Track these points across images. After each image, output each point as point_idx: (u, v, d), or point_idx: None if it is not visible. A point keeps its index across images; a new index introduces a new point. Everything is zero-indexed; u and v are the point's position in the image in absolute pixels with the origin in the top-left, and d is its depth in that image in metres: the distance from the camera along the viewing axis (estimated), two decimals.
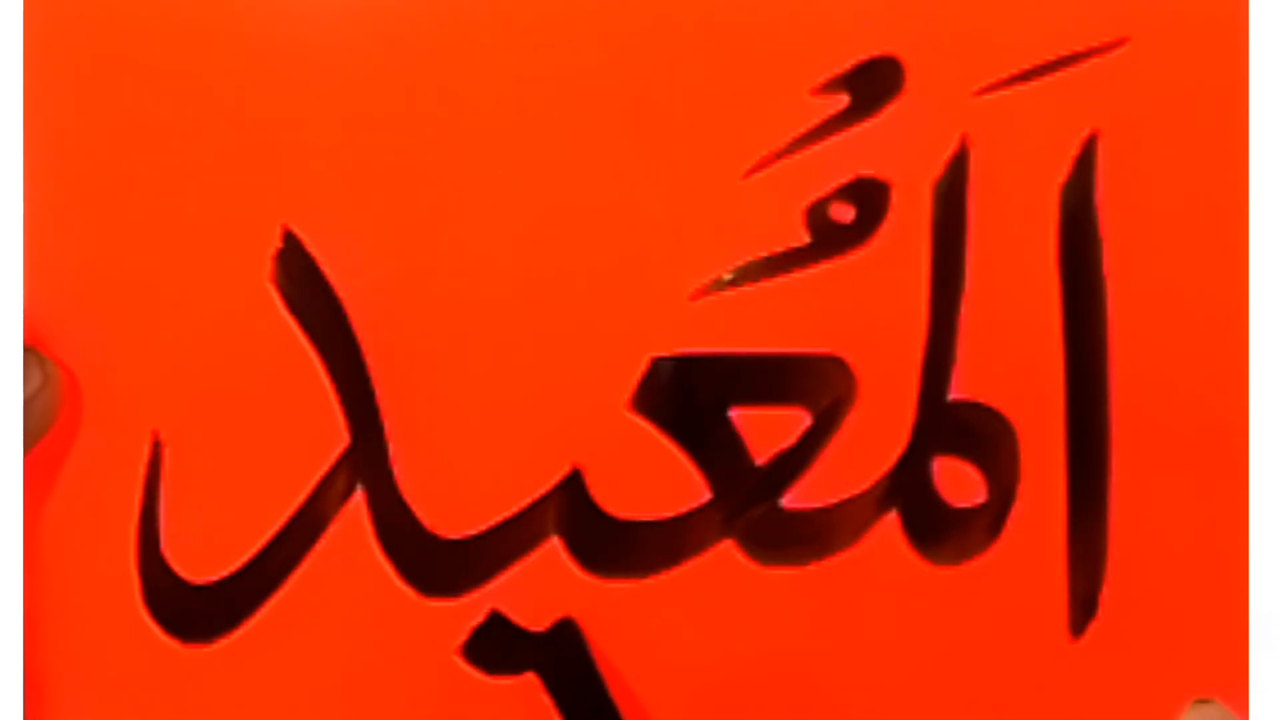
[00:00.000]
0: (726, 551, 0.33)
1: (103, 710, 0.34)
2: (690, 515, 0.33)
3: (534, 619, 0.33)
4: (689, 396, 0.33)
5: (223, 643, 0.34)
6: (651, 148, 0.33)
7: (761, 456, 0.33)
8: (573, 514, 0.33)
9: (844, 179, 0.32)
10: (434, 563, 0.33)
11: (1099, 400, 0.33)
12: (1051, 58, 0.32)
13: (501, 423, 0.33)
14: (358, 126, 0.33)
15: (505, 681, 0.33)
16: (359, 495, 0.33)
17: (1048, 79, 0.32)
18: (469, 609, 0.33)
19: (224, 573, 0.34)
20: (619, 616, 0.33)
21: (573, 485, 0.33)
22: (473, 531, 0.33)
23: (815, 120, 0.32)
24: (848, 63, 0.32)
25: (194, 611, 0.34)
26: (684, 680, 0.33)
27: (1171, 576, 0.33)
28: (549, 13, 0.32)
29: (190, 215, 0.33)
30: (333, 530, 0.33)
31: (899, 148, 0.32)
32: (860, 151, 0.32)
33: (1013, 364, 0.33)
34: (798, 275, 0.33)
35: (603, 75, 0.33)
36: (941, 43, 0.32)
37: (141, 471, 0.34)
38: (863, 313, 0.33)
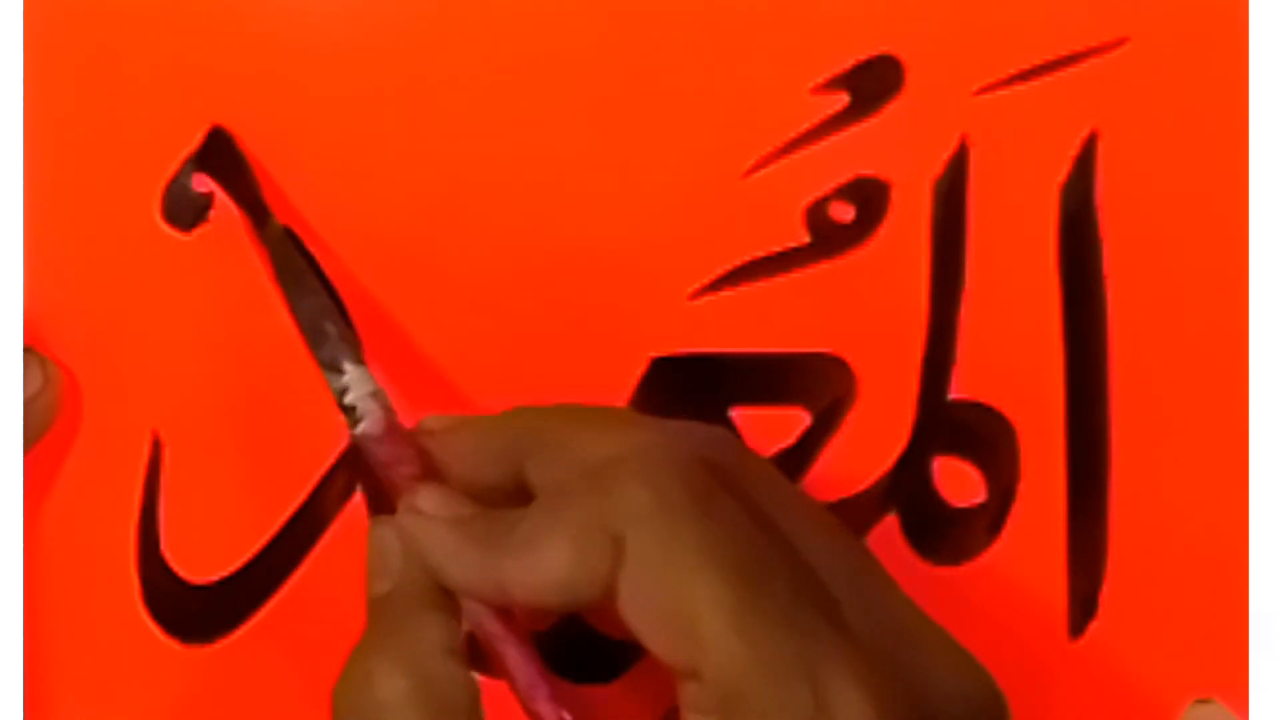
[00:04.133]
0: None
1: (103, 710, 0.34)
2: None
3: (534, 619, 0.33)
4: (689, 396, 0.33)
5: (223, 643, 0.34)
6: (651, 146, 0.33)
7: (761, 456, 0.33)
8: None
9: (844, 178, 0.32)
10: None
11: (1099, 400, 0.33)
12: (1051, 58, 0.32)
13: None
14: (359, 130, 0.33)
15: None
16: (359, 495, 0.33)
17: (1048, 79, 0.32)
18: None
19: (224, 573, 0.34)
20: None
21: None
22: None
23: (815, 119, 0.32)
24: (848, 62, 0.32)
25: (194, 612, 0.34)
26: None
27: (1171, 576, 0.33)
28: (548, 11, 0.32)
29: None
30: (333, 530, 0.33)
31: (899, 147, 0.32)
32: (860, 151, 0.32)
33: (1013, 364, 0.33)
34: (797, 275, 0.33)
35: (603, 74, 0.33)
36: (941, 42, 0.32)
37: (141, 471, 0.34)
38: (863, 312, 0.33)
